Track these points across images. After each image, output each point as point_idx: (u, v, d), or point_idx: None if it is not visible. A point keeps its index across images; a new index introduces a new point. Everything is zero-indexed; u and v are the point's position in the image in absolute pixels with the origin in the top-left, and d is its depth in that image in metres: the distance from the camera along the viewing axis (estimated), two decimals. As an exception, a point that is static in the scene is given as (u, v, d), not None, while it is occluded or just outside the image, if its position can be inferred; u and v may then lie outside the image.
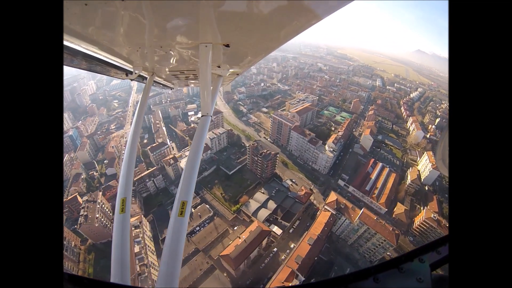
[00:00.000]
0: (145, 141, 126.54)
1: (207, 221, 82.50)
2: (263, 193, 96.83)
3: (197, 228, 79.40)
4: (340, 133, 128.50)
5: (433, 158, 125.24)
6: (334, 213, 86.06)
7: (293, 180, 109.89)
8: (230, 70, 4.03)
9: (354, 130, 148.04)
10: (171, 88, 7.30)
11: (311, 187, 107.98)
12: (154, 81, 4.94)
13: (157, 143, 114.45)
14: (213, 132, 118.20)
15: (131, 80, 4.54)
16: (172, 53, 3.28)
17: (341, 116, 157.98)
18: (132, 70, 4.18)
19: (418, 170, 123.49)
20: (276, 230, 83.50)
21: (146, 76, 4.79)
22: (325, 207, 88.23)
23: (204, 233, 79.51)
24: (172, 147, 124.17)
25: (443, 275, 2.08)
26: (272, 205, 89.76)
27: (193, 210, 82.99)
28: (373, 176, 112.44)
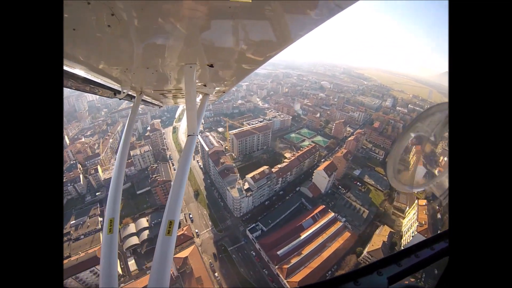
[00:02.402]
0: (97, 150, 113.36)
1: (92, 233, 69.74)
2: (147, 220, 72.32)
3: (82, 236, 68.87)
4: (283, 164, 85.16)
5: (425, 212, 71.47)
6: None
7: (191, 216, 75.16)
8: (216, 88, 3.78)
9: (322, 160, 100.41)
10: (160, 106, 6.76)
11: (206, 230, 71.96)
12: (143, 100, 4.48)
13: (93, 153, 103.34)
14: (139, 149, 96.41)
15: (120, 99, 4.13)
16: (159, 73, 3.05)
17: (312, 141, 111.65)
18: (120, 89, 3.81)
19: (391, 231, 70.41)
20: (132, 264, 61.26)
21: (134, 95, 4.33)
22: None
23: (82, 242, 66.95)
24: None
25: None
26: (144, 235, 66.84)
27: (88, 219, 74.51)
28: (306, 234, 66.63)
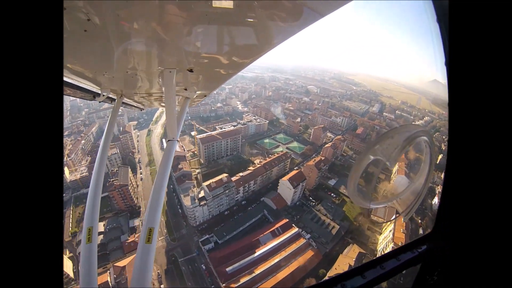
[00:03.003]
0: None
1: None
2: (104, 225, 67.51)
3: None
4: (246, 172, 76.72)
5: (403, 231, 62.83)
6: None
7: (148, 222, 68.13)
8: (197, 92, 3.66)
9: (296, 168, 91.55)
10: (141, 109, 6.54)
11: (160, 238, 65.26)
12: (123, 103, 4.33)
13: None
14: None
15: (99, 102, 3.96)
16: (139, 77, 3.02)
17: (287, 147, 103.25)
18: (100, 92, 3.62)
19: (361, 251, 61.29)
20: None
21: (114, 97, 4.18)
22: None
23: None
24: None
25: None
26: (98, 241, 53.68)
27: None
28: (262, 251, 57.94)
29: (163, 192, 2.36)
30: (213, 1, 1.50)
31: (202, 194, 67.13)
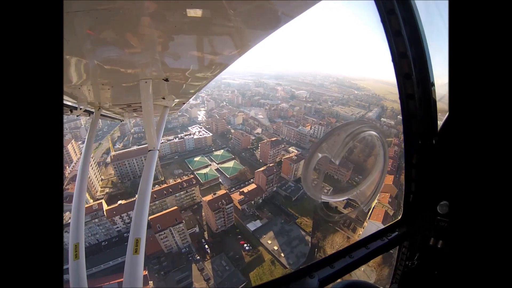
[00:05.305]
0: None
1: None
2: None
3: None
4: (128, 201, 56.99)
5: None
6: None
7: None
8: (176, 100, 3.61)
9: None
10: (121, 121, 6.47)
11: None
12: (102, 115, 4.24)
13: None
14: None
15: (77, 116, 3.95)
16: (115, 89, 2.95)
17: (218, 168, 78.14)
18: (76, 105, 3.56)
19: None
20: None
21: (92, 110, 4.05)
22: None
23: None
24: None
25: None
26: None
27: None
28: None
29: (147, 203, 2.30)
30: (186, 11, 1.47)
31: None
